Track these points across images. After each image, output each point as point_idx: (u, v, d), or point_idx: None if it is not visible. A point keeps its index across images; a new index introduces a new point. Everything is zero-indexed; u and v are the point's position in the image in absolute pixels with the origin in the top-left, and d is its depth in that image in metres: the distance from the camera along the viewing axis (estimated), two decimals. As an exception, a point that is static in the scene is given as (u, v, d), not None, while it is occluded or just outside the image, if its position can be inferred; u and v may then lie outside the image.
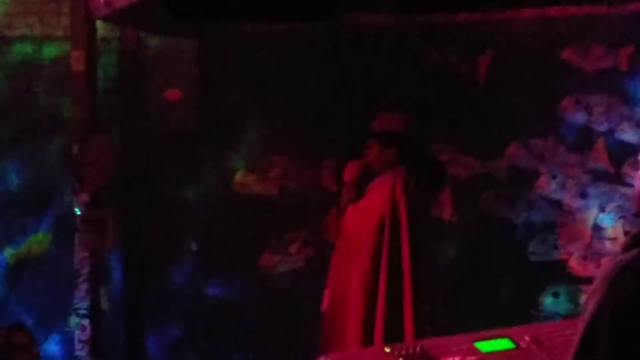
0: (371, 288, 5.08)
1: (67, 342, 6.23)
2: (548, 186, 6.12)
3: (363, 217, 5.20)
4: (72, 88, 6.00)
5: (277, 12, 5.64)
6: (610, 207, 5.99)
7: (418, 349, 3.21)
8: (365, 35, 6.23)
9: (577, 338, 2.28)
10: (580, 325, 2.28)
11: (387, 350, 3.21)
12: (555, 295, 6.08)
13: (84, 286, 5.89)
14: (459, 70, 6.23)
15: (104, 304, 6.21)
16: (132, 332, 6.49)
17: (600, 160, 6.02)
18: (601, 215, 6.01)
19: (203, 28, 6.22)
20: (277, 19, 5.98)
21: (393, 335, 4.81)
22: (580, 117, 6.06)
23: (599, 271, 2.32)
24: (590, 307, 2.26)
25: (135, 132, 6.51)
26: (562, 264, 6.10)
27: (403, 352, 3.18)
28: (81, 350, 5.94)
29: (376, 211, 5.15)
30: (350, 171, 5.39)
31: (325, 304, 5.33)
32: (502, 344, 3.34)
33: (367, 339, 4.97)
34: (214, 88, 6.46)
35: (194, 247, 6.49)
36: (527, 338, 3.37)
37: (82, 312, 5.92)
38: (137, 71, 6.49)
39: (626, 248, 2.32)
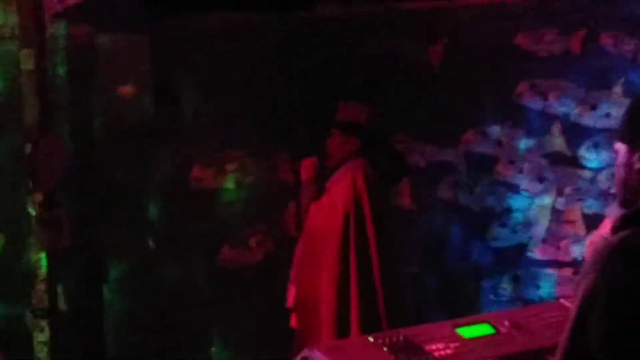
0: (342, 283, 5.07)
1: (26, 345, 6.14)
2: (506, 171, 6.16)
3: (327, 213, 5.18)
4: (23, 87, 5.90)
5: (233, 3, 5.59)
6: (568, 190, 6.05)
7: (401, 337, 3.22)
8: (319, 27, 6.21)
9: (569, 321, 2.29)
10: (572, 308, 2.29)
11: (371, 339, 3.21)
12: (515, 279, 6.13)
13: (41, 287, 5.80)
14: (414, 58, 6.24)
15: (62, 305, 6.13)
16: (91, 334, 6.41)
17: (557, 144, 6.08)
18: (559, 199, 6.07)
19: (155, 22, 6.15)
20: (233, 10, 5.92)
21: (368, 327, 4.81)
22: (535, 102, 6.11)
23: (589, 254, 2.34)
24: (582, 290, 2.27)
25: (88, 129, 6.42)
26: (521, 248, 6.15)
27: (387, 340, 3.18)
28: (40, 352, 5.86)
29: (340, 206, 5.14)
30: (306, 170, 5.37)
31: (290, 301, 5.31)
32: (483, 329, 3.35)
33: (342, 332, 4.97)
34: (167, 83, 6.40)
35: (151, 244, 6.43)
36: (506, 323, 3.39)
37: (39, 313, 5.83)
38: (88, 68, 6.41)
39: (615, 230, 2.33)
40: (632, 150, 2.37)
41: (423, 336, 3.24)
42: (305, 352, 3.11)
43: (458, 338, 3.26)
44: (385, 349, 3.12)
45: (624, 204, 2.43)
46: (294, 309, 5.28)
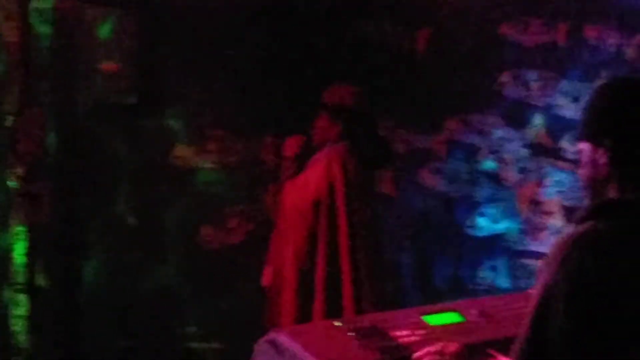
0: (306, 265, 5.07)
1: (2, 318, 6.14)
2: (487, 161, 6.17)
3: (299, 193, 5.16)
4: (5, 60, 5.88)
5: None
6: (548, 181, 6.06)
7: (367, 323, 3.22)
8: (306, 9, 6.20)
9: (530, 311, 2.30)
10: (533, 298, 2.31)
11: (337, 324, 3.20)
12: (493, 268, 6.14)
13: (20, 261, 5.80)
14: (397, 45, 6.23)
15: (41, 280, 6.12)
16: (70, 310, 6.41)
17: (538, 136, 6.08)
18: (539, 190, 6.08)
19: (141, -1, 6.14)
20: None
21: (331, 313, 4.81)
22: (518, 92, 6.10)
23: (553, 244, 2.34)
24: (543, 280, 2.28)
25: (70, 104, 6.40)
26: (500, 238, 6.16)
27: (352, 326, 3.18)
28: (18, 326, 5.86)
29: (312, 188, 5.12)
30: (291, 146, 5.36)
31: (265, 280, 5.32)
32: (451, 317, 3.35)
33: (302, 316, 4.96)
34: (152, 60, 6.38)
35: (132, 220, 6.43)
36: (474, 311, 3.39)
37: (18, 287, 5.83)
38: (72, 43, 6.38)
39: (580, 220, 2.34)
40: (594, 147, 2.37)
41: (389, 322, 3.24)
42: (271, 335, 3.11)
43: (425, 325, 3.26)
44: (350, 333, 3.12)
45: (586, 189, 2.44)
46: (268, 288, 5.29)
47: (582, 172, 2.42)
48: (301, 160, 5.31)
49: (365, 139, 5.23)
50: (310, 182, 5.12)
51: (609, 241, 2.24)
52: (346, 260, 5.01)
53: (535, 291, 2.30)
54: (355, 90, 5.28)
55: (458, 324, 3.32)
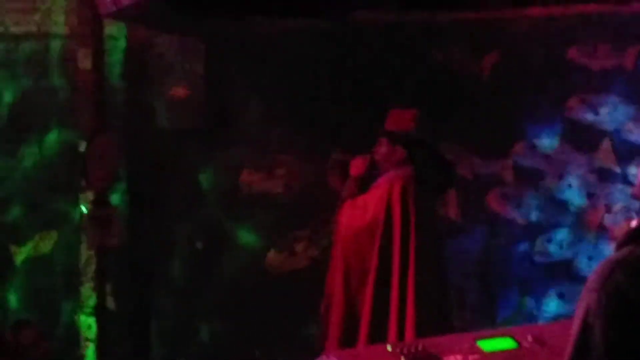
0: (355, 289, 5.06)
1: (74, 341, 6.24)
2: (554, 186, 6.10)
3: (357, 214, 5.14)
4: (79, 85, 6.00)
5: (284, 10, 5.63)
6: (616, 207, 5.97)
7: (420, 347, 3.20)
8: (372, 33, 6.22)
9: (571, 337, 2.28)
10: (574, 324, 2.29)
11: (389, 348, 3.20)
12: (561, 296, 6.06)
13: (90, 284, 5.89)
14: (465, 69, 6.21)
15: (110, 303, 6.21)
16: (138, 332, 6.49)
17: (606, 160, 6.00)
18: (607, 216, 5.99)
19: (209, 26, 6.21)
20: (285, 17, 5.97)
21: (377, 337, 4.79)
22: (586, 117, 6.04)
23: (593, 271, 2.33)
24: (583, 307, 2.26)
25: (142, 130, 6.51)
26: (568, 265, 6.08)
27: (405, 350, 3.16)
28: (87, 349, 5.95)
29: (370, 211, 5.10)
30: (357, 166, 5.36)
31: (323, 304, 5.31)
32: (505, 343, 3.32)
33: (351, 340, 4.93)
34: (220, 86, 6.45)
35: (199, 245, 6.48)
36: (529, 338, 3.35)
37: (88, 310, 5.92)
38: (144, 69, 6.49)
39: (619, 246, 2.32)
40: None
41: (442, 347, 3.22)
42: (321, 359, 3.12)
43: (478, 350, 3.23)
44: (402, 358, 3.11)
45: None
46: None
47: (635, 192, 2.43)
48: (365, 182, 5.31)
49: (427, 164, 5.21)
50: (369, 205, 5.11)
51: None
52: (396, 286, 4.96)
53: (576, 316, 2.28)
54: (416, 115, 5.26)
55: (512, 350, 3.29)
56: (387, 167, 5.25)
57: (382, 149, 5.27)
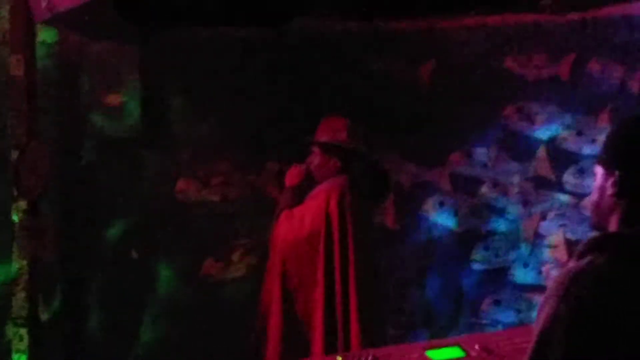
0: (295, 299, 5.05)
1: (4, 352, 6.12)
2: (490, 194, 6.16)
3: (294, 225, 5.13)
4: (10, 93, 5.89)
5: (225, 17, 5.60)
6: (551, 215, 6.04)
7: (370, 357, 3.20)
8: (310, 42, 6.22)
9: (530, 346, 2.30)
10: (534, 333, 2.31)
11: (339, 359, 3.19)
12: (497, 302, 6.11)
13: (22, 295, 5.79)
14: (402, 78, 6.24)
15: (43, 315, 6.11)
16: (71, 344, 6.40)
17: (542, 169, 6.07)
18: (543, 223, 6.06)
19: (145, 33, 6.15)
20: (225, 24, 5.93)
21: (329, 346, 4.78)
22: (522, 126, 6.10)
23: (553, 279, 2.35)
24: (544, 315, 2.28)
25: (74, 138, 6.42)
26: (503, 272, 6.13)
27: (355, 360, 3.17)
28: (18, 360, 5.84)
29: (307, 222, 5.10)
30: (292, 176, 5.35)
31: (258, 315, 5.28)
32: (453, 352, 3.35)
33: (290, 353, 4.92)
34: (155, 94, 6.39)
35: (134, 255, 6.41)
36: (476, 346, 3.38)
37: (19, 321, 5.81)
38: (77, 76, 6.41)
39: (579, 255, 2.34)
40: (607, 175, 2.41)
41: (392, 357, 3.23)
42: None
43: (427, 360, 3.25)
44: (352, 368, 3.11)
45: (594, 227, 2.47)
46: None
47: (592, 197, 2.46)
48: (302, 192, 5.29)
49: (362, 173, 5.22)
50: (306, 216, 5.10)
51: (607, 275, 2.25)
52: (340, 294, 4.96)
53: (536, 326, 2.30)
54: (347, 124, 5.25)
55: (460, 359, 3.31)
56: (322, 176, 5.25)
57: (316, 158, 5.27)
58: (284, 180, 5.45)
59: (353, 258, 5.01)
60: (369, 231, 5.26)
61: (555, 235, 6.01)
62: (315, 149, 5.29)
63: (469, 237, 6.19)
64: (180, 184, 6.41)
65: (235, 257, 6.37)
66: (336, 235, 5.02)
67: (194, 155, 6.41)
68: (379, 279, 5.37)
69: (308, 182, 5.32)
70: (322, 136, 5.27)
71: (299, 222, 5.11)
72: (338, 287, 4.97)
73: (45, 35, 6.15)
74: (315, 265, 5.00)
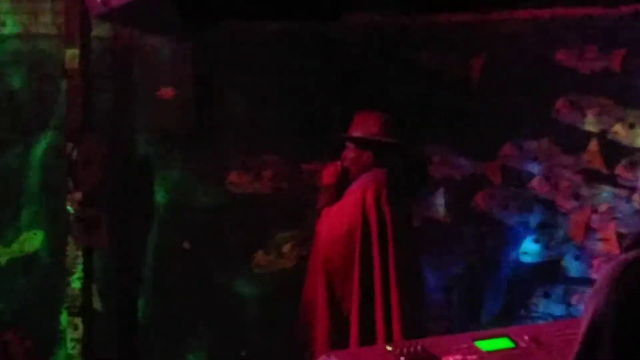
0: (339, 294, 5.08)
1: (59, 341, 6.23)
2: (542, 187, 6.14)
3: (334, 221, 5.17)
4: (66, 87, 5.98)
5: (276, 11, 5.64)
6: (603, 208, 6.01)
7: (419, 347, 3.23)
8: (359, 36, 6.24)
9: (579, 338, 2.30)
10: (582, 325, 2.30)
11: (389, 348, 3.22)
12: (547, 295, 6.10)
13: (76, 285, 5.88)
14: (453, 72, 6.24)
15: (96, 304, 6.20)
16: (125, 333, 6.48)
17: (593, 162, 6.04)
18: (594, 217, 6.03)
19: (198, 28, 6.21)
20: (276, 19, 5.98)
21: (366, 340, 4.81)
22: (573, 119, 6.08)
23: (602, 271, 2.34)
24: (592, 307, 2.28)
25: (129, 131, 6.50)
26: (554, 265, 6.12)
27: (405, 350, 3.19)
28: (73, 349, 5.93)
29: (346, 217, 5.13)
30: (328, 175, 5.37)
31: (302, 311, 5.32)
32: (502, 343, 3.36)
33: (337, 344, 4.93)
34: (208, 87, 6.46)
35: (186, 245, 6.48)
36: (526, 337, 3.39)
37: (74, 310, 5.90)
38: (130, 70, 6.48)
39: (628, 247, 2.34)
40: None
41: (441, 347, 3.26)
42: (323, 358, 3.13)
43: (476, 351, 3.27)
44: (402, 358, 3.14)
45: None
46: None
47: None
48: (340, 189, 5.31)
49: (397, 166, 5.22)
50: (345, 211, 5.12)
51: None
52: (379, 288, 4.99)
53: (584, 317, 2.29)
54: (381, 118, 5.26)
55: (509, 349, 3.33)
56: (357, 171, 5.26)
57: (350, 154, 5.29)
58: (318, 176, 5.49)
59: (392, 251, 5.03)
60: (407, 224, 5.27)
61: (607, 228, 5.98)
62: (350, 145, 5.31)
63: (520, 230, 6.18)
64: (232, 177, 6.47)
65: (285, 248, 6.42)
66: (374, 229, 5.04)
67: (245, 148, 6.46)
68: (421, 272, 5.38)
69: (345, 179, 5.33)
70: (355, 131, 5.28)
71: (338, 218, 5.15)
72: (377, 282, 4.99)
73: (99, 29, 6.23)
74: (353, 259, 5.05)
